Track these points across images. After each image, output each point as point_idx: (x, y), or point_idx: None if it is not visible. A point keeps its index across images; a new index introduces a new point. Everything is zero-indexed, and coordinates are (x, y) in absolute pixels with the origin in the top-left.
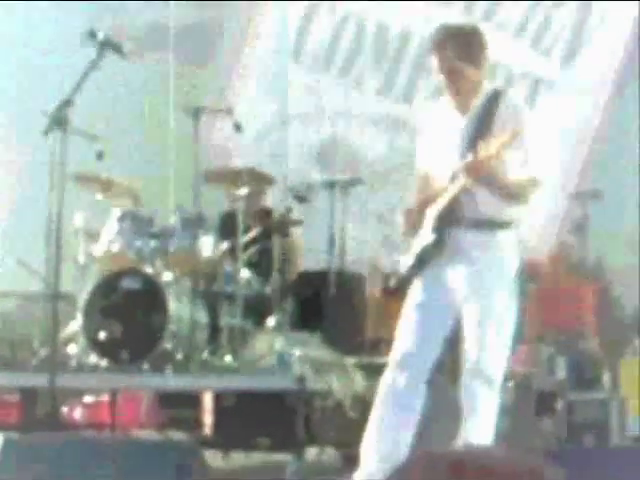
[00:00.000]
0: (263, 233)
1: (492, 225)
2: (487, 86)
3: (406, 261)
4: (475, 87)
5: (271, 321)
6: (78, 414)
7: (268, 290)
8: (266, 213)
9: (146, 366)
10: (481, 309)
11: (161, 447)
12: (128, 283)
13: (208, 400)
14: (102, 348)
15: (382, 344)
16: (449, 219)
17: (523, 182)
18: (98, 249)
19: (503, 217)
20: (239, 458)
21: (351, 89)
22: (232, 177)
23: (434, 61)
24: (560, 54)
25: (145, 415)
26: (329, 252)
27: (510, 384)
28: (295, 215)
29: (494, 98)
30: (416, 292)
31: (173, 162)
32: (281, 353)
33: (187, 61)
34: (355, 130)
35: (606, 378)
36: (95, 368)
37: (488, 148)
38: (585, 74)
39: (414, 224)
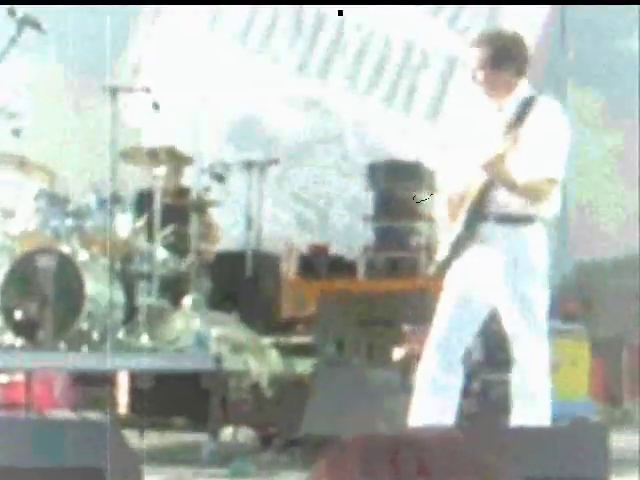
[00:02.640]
0: (180, 212)
1: (516, 220)
2: (523, 90)
3: (442, 250)
4: (509, 89)
5: (188, 301)
6: None
7: (185, 269)
8: (183, 192)
9: (62, 346)
10: (512, 299)
11: (79, 426)
12: (44, 262)
13: (124, 380)
14: (18, 327)
15: (297, 324)
16: (479, 213)
17: (539, 183)
18: (14, 228)
19: (527, 212)
20: (154, 438)
21: (267, 67)
22: (150, 156)
23: (473, 58)
24: (477, 31)
25: (59, 395)
26: (246, 232)
27: None
28: (212, 194)
29: (528, 103)
30: (452, 281)
31: (89, 141)
32: (198, 333)
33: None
34: (270, 109)
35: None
36: (11, 347)
37: (500, 148)
38: None
39: (455, 214)
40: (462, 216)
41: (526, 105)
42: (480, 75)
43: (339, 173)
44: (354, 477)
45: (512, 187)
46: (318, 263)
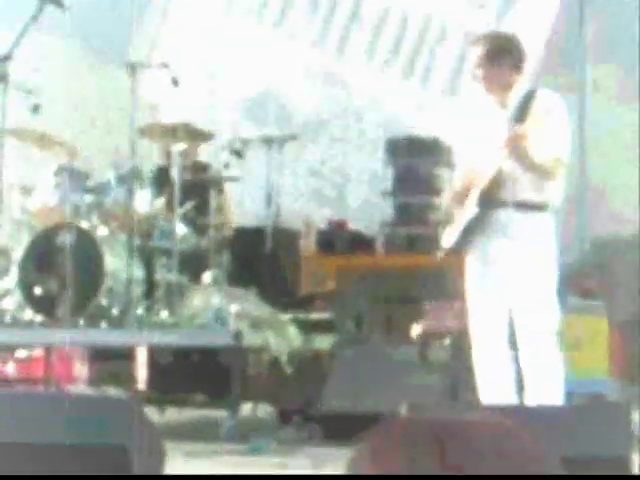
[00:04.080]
0: (199, 188)
1: (529, 206)
2: (522, 86)
3: (451, 236)
4: (508, 85)
5: (207, 277)
6: (11, 369)
7: (204, 245)
8: (202, 168)
9: (81, 322)
10: (527, 282)
11: (101, 402)
12: (64, 238)
13: (143, 355)
14: (37, 303)
15: (316, 300)
16: (491, 199)
17: (550, 161)
18: (34, 204)
19: (539, 200)
20: (174, 414)
21: (284, 42)
22: (168, 132)
23: (474, 56)
24: (495, 7)
25: (79, 370)
26: (266, 208)
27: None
28: (231, 170)
29: (529, 97)
30: (471, 271)
31: (108, 116)
32: (218, 309)
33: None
34: (287, 84)
35: None
36: (30, 323)
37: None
38: (519, 27)
39: (460, 204)
40: (472, 202)
41: (527, 99)
42: (479, 72)
43: (357, 148)
44: (399, 463)
45: (528, 164)
46: (337, 239)
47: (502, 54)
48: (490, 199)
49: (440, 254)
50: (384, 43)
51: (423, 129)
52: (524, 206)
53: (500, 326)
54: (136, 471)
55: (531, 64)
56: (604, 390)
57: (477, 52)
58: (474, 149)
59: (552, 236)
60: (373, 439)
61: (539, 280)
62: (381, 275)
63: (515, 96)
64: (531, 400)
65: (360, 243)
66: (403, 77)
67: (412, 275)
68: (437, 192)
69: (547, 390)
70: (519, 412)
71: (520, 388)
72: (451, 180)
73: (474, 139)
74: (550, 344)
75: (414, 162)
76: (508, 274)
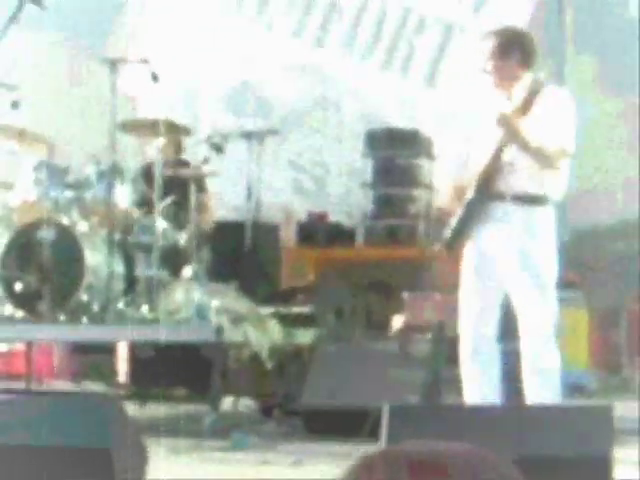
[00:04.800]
0: (179, 184)
1: (527, 199)
2: (529, 80)
3: (451, 225)
4: (516, 78)
5: (188, 272)
6: None
7: (184, 240)
8: (182, 163)
9: (62, 317)
10: (526, 276)
11: (83, 403)
12: (44, 234)
13: (124, 350)
14: (18, 299)
15: (297, 294)
16: (488, 190)
17: (553, 149)
18: (13, 199)
19: (538, 192)
20: (155, 409)
21: (263, 34)
22: (149, 128)
23: (483, 51)
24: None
25: (59, 365)
26: (247, 202)
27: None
28: (210, 165)
29: (535, 90)
30: (468, 263)
31: (88, 112)
32: (199, 304)
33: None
34: (266, 76)
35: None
36: (11, 319)
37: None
38: (498, 18)
39: (460, 198)
40: (469, 194)
41: (533, 92)
42: (489, 65)
43: (336, 140)
44: None
45: (525, 145)
46: (317, 231)
47: (511, 48)
48: (487, 190)
49: (438, 246)
50: (363, 34)
51: (402, 120)
52: (522, 198)
53: (492, 318)
54: (118, 472)
55: None
56: (584, 381)
57: (487, 46)
58: (478, 143)
59: (551, 230)
60: (354, 470)
61: (538, 273)
62: (361, 267)
63: (522, 90)
64: (529, 390)
65: (340, 235)
66: (382, 68)
67: (392, 266)
68: (417, 184)
69: (545, 380)
70: (503, 411)
71: (511, 380)
72: (431, 171)
73: (478, 133)
74: (549, 335)
75: (394, 154)
76: (505, 265)
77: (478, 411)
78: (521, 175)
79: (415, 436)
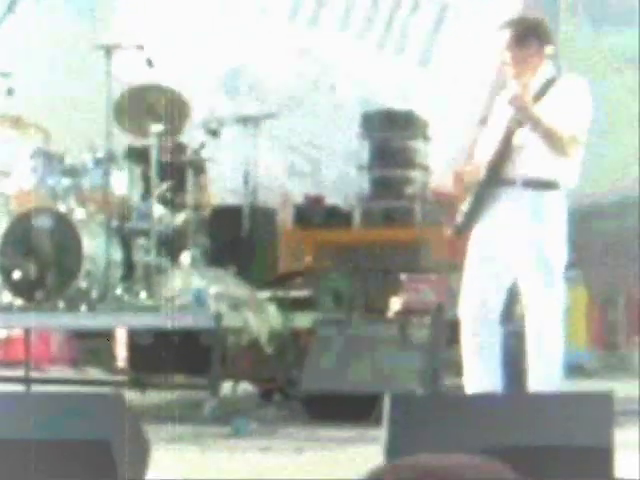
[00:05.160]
0: (177, 167)
1: (541, 185)
2: (547, 70)
3: (463, 210)
4: (534, 68)
5: (186, 257)
6: None
7: (182, 226)
8: (180, 149)
9: (61, 305)
10: (535, 261)
11: (84, 397)
12: (41, 222)
13: (123, 336)
14: (16, 287)
15: (295, 277)
16: (499, 175)
17: (565, 136)
18: (10, 187)
19: (549, 178)
20: (155, 396)
21: (257, 17)
22: (146, 114)
23: (504, 42)
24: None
25: (58, 351)
26: (244, 187)
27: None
28: (206, 149)
29: (551, 80)
30: (476, 246)
31: (84, 98)
32: (197, 290)
33: None
34: (261, 59)
35: (519, 309)
36: (9, 307)
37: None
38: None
39: (462, 187)
40: (481, 178)
41: (549, 81)
42: (507, 56)
43: (332, 122)
44: None
45: (536, 125)
46: (313, 214)
47: (529, 38)
48: (498, 175)
49: (450, 230)
50: (358, 16)
51: (398, 101)
52: (532, 183)
53: (496, 302)
54: (119, 465)
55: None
56: (584, 360)
57: (505, 36)
58: (494, 131)
59: (562, 215)
60: None
61: (546, 258)
62: (359, 249)
63: (539, 79)
64: (532, 374)
65: (337, 217)
66: (377, 50)
67: (389, 248)
68: (413, 165)
69: (550, 364)
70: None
71: (513, 364)
72: (427, 153)
73: (494, 121)
74: (556, 320)
75: (389, 135)
76: (514, 250)
77: (479, 400)
78: (532, 160)
79: (416, 424)
